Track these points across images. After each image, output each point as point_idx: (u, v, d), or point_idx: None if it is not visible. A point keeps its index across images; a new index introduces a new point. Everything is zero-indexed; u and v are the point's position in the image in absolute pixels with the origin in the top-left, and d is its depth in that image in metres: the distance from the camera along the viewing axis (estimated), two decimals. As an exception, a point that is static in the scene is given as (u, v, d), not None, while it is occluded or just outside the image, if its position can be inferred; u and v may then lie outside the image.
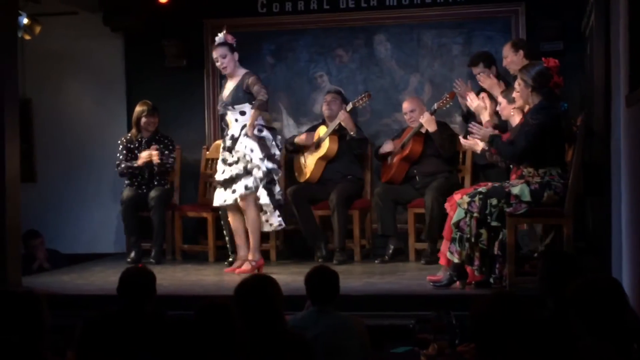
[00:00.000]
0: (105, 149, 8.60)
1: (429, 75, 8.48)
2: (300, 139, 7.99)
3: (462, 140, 6.51)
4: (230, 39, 7.03)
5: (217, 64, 7.11)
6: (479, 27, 8.37)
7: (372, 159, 8.01)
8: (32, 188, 8.67)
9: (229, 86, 7.08)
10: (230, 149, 7.02)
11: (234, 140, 6.98)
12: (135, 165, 7.94)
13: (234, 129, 7.02)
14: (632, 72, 5.06)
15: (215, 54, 7.09)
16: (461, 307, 4.75)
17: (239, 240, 7.13)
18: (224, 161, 7.08)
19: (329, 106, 7.89)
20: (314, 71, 8.71)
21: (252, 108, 6.92)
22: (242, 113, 6.96)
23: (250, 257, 7.00)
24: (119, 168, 8.02)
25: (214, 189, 7.35)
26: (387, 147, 7.79)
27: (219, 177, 7.11)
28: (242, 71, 7.06)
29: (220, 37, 7.06)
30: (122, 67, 8.96)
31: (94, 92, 9.06)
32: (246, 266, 6.94)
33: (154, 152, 7.87)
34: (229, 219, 7.21)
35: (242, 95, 6.95)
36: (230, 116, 7.03)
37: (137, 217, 7.97)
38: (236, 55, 7.05)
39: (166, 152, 8.02)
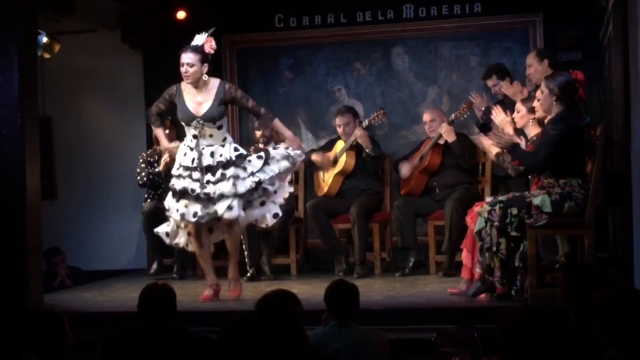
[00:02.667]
0: (125, 166, 8.64)
1: (447, 87, 8.48)
2: (316, 159, 7.87)
3: (481, 137, 6.45)
4: (208, 47, 6.28)
5: (181, 68, 6.29)
6: (497, 38, 8.37)
7: (391, 173, 8.01)
8: (53, 205, 8.72)
9: (201, 99, 6.28)
10: (209, 168, 6.22)
11: (220, 160, 6.24)
12: (156, 170, 7.97)
13: (211, 145, 6.29)
14: (651, 81, 5.04)
15: (183, 58, 6.25)
16: (483, 320, 4.75)
17: (208, 264, 6.49)
18: (195, 178, 6.25)
19: (344, 130, 7.82)
20: (332, 85, 8.73)
21: (269, 125, 6.53)
22: (219, 128, 6.29)
23: (234, 276, 6.44)
24: (140, 177, 8.04)
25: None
26: (405, 170, 7.74)
27: (200, 191, 6.21)
28: (214, 81, 6.34)
29: (199, 39, 6.35)
30: (141, 84, 9.01)
31: (114, 109, 9.11)
32: (237, 287, 6.43)
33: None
34: (196, 237, 6.38)
35: (223, 109, 6.32)
36: (204, 132, 6.26)
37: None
38: (205, 67, 6.25)
39: None
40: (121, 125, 9.06)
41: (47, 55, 8.31)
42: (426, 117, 7.78)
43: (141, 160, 8.11)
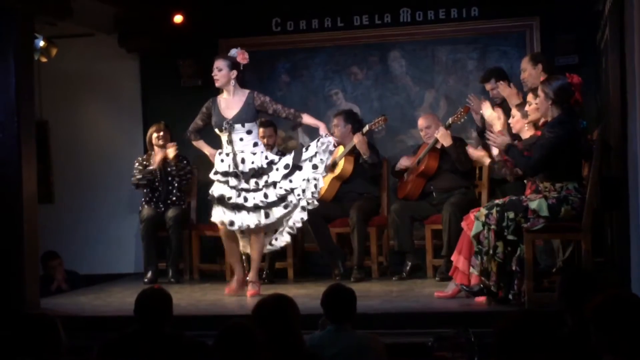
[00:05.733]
0: (122, 170, 8.62)
1: (444, 91, 8.48)
2: None
3: (470, 150, 6.50)
4: (241, 57, 6.82)
5: (212, 73, 6.87)
6: (494, 42, 8.37)
7: (388, 178, 8.00)
8: (50, 209, 8.70)
9: (232, 104, 6.80)
10: (243, 174, 6.70)
11: (253, 165, 6.72)
12: (150, 169, 7.98)
13: (241, 150, 6.75)
14: (647, 85, 5.04)
15: (214, 64, 6.84)
16: (480, 325, 4.74)
17: (236, 260, 6.97)
18: (231, 185, 6.75)
19: (334, 132, 7.81)
20: (329, 89, 8.73)
21: (299, 121, 6.87)
22: (249, 132, 6.75)
23: (253, 278, 6.84)
24: (134, 178, 8.06)
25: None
26: (404, 162, 7.78)
27: (236, 200, 6.72)
28: (244, 90, 6.86)
29: (232, 52, 6.88)
30: (138, 88, 9.01)
31: (110, 113, 9.11)
32: (255, 288, 6.78)
33: (171, 147, 7.97)
34: (229, 239, 6.92)
35: (253, 113, 6.77)
36: (234, 135, 6.74)
37: (155, 236, 8.01)
38: (234, 73, 6.77)
39: (184, 161, 8.09)
40: (118, 129, 9.06)
41: (44, 59, 8.30)
42: (421, 123, 7.79)
43: (137, 164, 8.13)
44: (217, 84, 6.85)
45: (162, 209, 8.04)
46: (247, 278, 6.87)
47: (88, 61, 8.96)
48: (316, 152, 6.72)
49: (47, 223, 8.00)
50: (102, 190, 8.96)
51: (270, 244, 6.94)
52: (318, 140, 6.76)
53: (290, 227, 6.83)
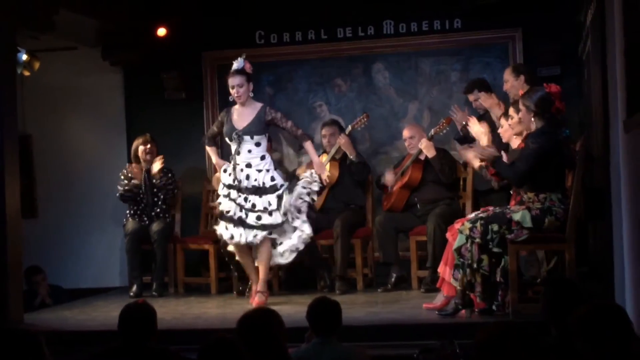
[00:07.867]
0: (106, 183, 8.60)
1: (428, 103, 8.51)
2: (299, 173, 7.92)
3: (462, 149, 6.52)
4: (249, 67, 6.89)
5: (232, 91, 6.87)
6: (477, 53, 8.42)
7: (373, 189, 8.01)
8: (34, 223, 8.67)
9: (244, 115, 6.89)
10: (246, 189, 6.80)
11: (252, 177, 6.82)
12: (135, 182, 7.97)
13: (247, 163, 6.83)
14: (629, 97, 5.06)
15: (231, 82, 6.86)
16: (465, 336, 4.74)
17: (253, 272, 7.00)
18: (231, 198, 6.85)
19: (329, 140, 7.90)
20: (313, 101, 8.74)
21: (301, 144, 7.10)
22: (258, 144, 6.84)
23: (261, 288, 6.84)
24: (120, 190, 8.04)
25: (216, 221, 7.21)
26: (389, 178, 7.78)
27: (238, 214, 6.80)
28: (257, 103, 6.97)
29: (239, 63, 6.89)
30: (121, 101, 8.99)
31: (94, 126, 9.08)
32: (260, 298, 6.79)
33: (158, 162, 7.99)
34: (242, 253, 6.98)
35: (264, 126, 6.86)
36: (243, 146, 6.85)
37: (140, 250, 7.99)
38: (251, 86, 6.91)
39: (169, 174, 8.09)
40: (102, 142, 9.03)
41: (26, 73, 8.27)
42: (405, 133, 7.82)
43: (122, 177, 8.10)
44: (239, 101, 6.89)
45: (147, 222, 8.02)
46: (256, 288, 6.86)
47: (71, 74, 8.94)
48: (309, 191, 6.91)
49: (31, 237, 7.97)
50: (86, 204, 8.93)
51: (280, 255, 6.97)
52: (314, 174, 6.94)
53: (296, 247, 6.92)
